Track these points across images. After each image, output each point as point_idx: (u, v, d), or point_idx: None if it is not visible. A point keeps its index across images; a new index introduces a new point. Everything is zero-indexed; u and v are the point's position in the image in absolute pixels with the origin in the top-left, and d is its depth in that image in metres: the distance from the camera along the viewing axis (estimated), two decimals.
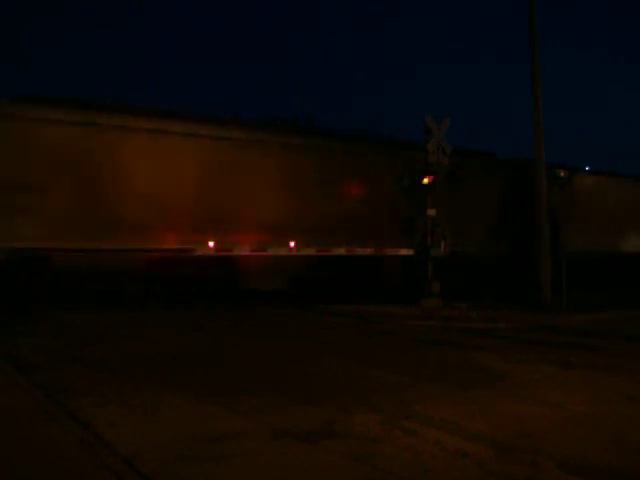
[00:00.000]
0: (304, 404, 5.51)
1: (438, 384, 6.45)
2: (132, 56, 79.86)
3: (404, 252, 16.78)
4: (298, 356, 8.21)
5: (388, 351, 8.83)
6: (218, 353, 8.51)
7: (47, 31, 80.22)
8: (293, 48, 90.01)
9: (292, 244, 15.57)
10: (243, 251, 15.08)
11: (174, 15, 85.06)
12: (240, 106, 67.89)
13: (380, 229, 16.72)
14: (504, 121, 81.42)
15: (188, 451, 4.23)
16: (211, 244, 14.61)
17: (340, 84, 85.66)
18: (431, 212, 14.59)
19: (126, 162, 13.90)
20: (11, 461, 4.15)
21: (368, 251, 16.68)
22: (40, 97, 13.53)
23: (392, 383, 6.45)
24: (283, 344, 9.38)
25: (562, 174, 15.33)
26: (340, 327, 11.62)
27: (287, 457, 4.19)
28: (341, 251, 16.25)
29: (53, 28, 79.77)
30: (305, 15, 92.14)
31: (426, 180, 14.59)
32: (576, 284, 14.04)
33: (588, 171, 22.38)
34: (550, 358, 7.82)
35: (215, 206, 14.70)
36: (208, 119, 15.66)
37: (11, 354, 8.02)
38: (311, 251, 15.86)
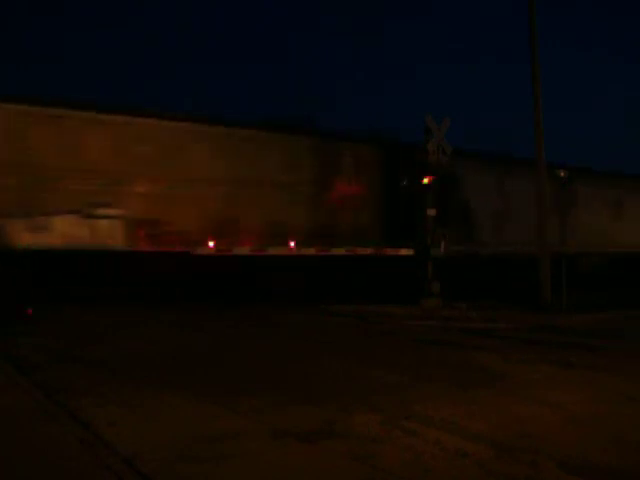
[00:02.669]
0: (304, 404, 5.51)
1: (438, 384, 6.45)
2: (132, 56, 79.65)
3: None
4: (298, 356, 8.21)
5: (388, 351, 8.83)
6: (218, 353, 8.51)
7: (47, 31, 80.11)
8: (293, 48, 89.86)
9: None
10: None
11: (174, 15, 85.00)
12: (240, 106, 67.74)
13: None
14: (504, 121, 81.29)
15: (188, 451, 4.23)
16: None
17: (340, 84, 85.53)
18: (431, 212, 14.60)
19: None
20: (11, 461, 4.15)
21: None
22: None
23: (392, 383, 6.45)
24: (283, 344, 9.38)
25: (562, 174, 15.31)
26: (340, 327, 11.62)
27: (287, 457, 4.19)
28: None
29: (53, 28, 79.61)
30: (305, 15, 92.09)
31: (426, 180, 14.61)
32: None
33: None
34: (550, 358, 7.82)
35: None
36: None
37: (11, 354, 8.03)
38: None
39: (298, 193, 16.09)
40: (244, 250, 15.02)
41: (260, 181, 15.60)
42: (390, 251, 16.96)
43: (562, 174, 15.33)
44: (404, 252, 16.82)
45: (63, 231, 13.46)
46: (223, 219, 15.10)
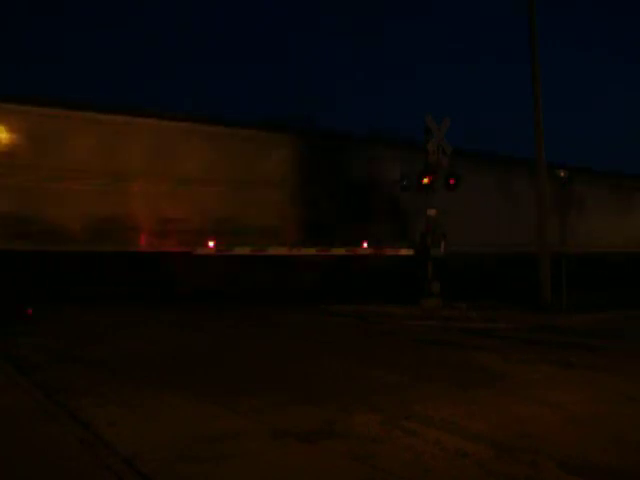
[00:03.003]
0: (304, 404, 5.51)
1: (438, 384, 6.45)
2: (132, 56, 79.62)
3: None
4: (298, 356, 8.21)
5: (388, 351, 8.83)
6: (218, 353, 8.51)
7: (47, 31, 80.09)
8: (293, 48, 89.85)
9: None
10: None
11: (174, 15, 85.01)
12: (240, 106, 67.72)
13: None
14: (504, 121, 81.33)
15: (188, 451, 4.23)
16: None
17: (340, 84, 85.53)
18: (431, 212, 14.60)
19: None
20: (11, 461, 4.15)
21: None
22: None
23: (392, 383, 6.45)
24: (283, 344, 9.37)
25: (562, 174, 15.35)
26: (340, 327, 11.62)
27: (287, 457, 4.19)
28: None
29: (53, 28, 79.59)
30: (305, 15, 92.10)
31: (426, 180, 14.62)
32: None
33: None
34: (550, 358, 7.82)
35: None
36: None
37: (11, 354, 8.02)
38: None
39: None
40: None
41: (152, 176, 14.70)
42: (390, 251, 16.96)
43: (562, 174, 15.33)
44: (404, 252, 16.82)
45: None
46: (104, 216, 14.08)
